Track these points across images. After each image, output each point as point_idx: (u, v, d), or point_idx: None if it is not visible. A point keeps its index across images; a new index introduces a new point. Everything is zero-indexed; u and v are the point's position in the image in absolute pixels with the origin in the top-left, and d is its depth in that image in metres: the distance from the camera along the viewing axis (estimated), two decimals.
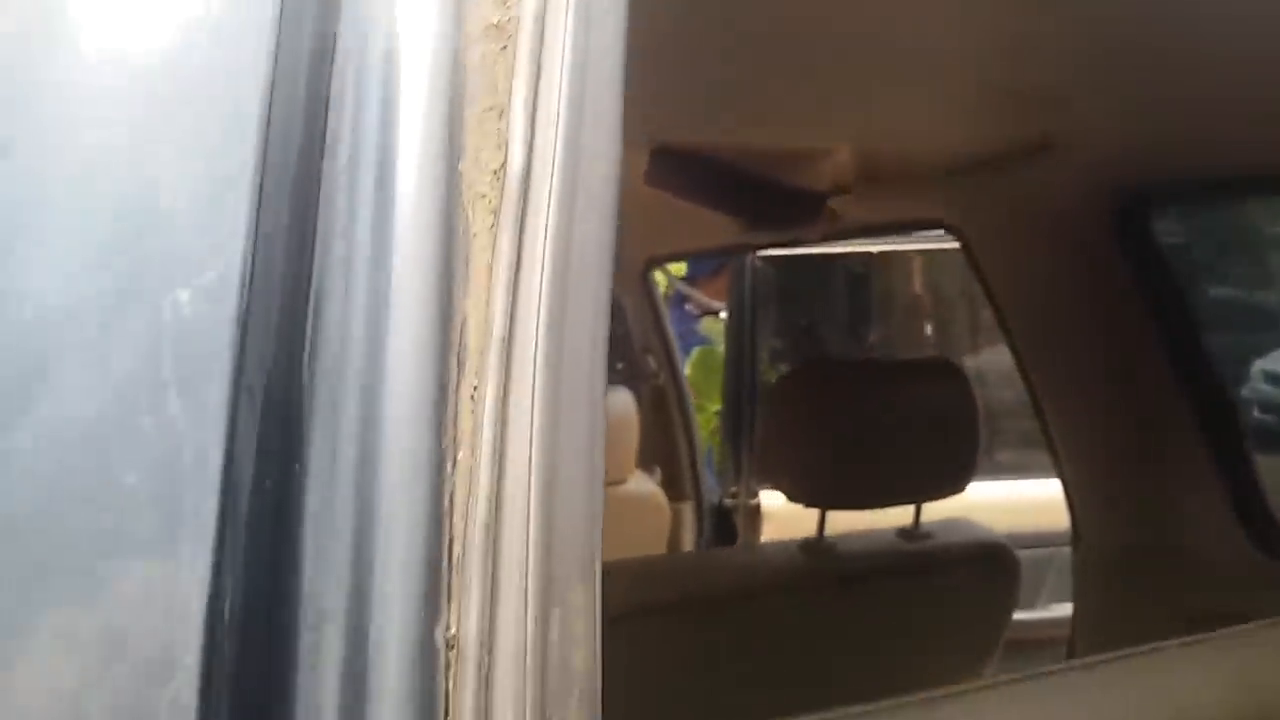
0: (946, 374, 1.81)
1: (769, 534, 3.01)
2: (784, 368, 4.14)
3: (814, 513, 1.71)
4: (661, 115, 1.59)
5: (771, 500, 3.06)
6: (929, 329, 4.10)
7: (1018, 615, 1.94)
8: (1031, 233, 1.94)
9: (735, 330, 3.35)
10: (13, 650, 0.37)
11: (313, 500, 0.38)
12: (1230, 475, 1.90)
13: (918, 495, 1.74)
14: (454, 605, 0.39)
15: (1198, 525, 1.93)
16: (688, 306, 4.12)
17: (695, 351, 3.88)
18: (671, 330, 3.29)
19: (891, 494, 1.71)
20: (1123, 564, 2.01)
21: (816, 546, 1.70)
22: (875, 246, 3.48)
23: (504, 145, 0.42)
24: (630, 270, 3.04)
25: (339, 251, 0.40)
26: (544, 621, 0.39)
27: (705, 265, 4.02)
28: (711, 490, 3.28)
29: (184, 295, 0.37)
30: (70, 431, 0.37)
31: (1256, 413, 8.78)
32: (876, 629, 1.68)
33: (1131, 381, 1.96)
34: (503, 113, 0.43)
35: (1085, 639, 2.05)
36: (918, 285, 3.95)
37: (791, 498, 1.70)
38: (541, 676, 0.39)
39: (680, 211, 2.06)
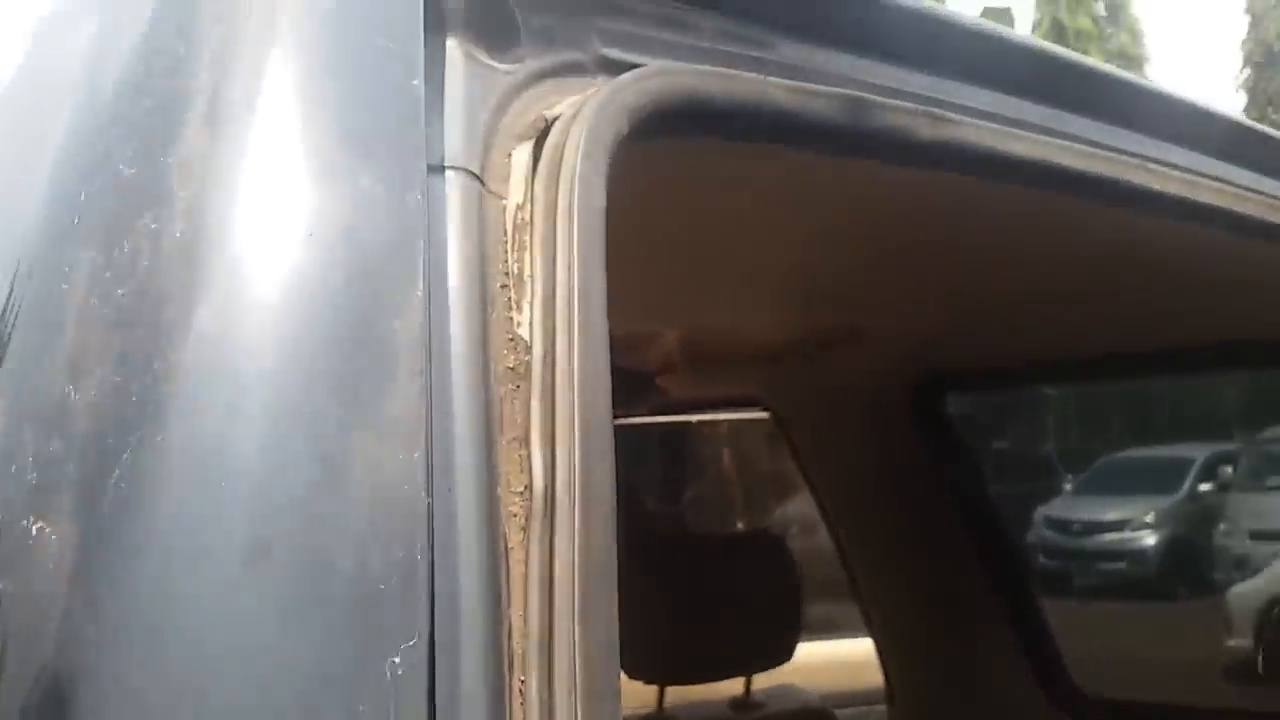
0: (771, 548, 1.93)
1: None
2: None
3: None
4: None
5: None
6: (739, 491, 4.27)
7: None
8: (839, 411, 2.10)
9: None
10: None
11: None
12: (1027, 636, 2.07)
13: (747, 667, 1.83)
14: None
15: (1001, 684, 2.08)
16: None
17: None
18: None
19: (724, 667, 1.79)
20: None
21: None
22: (693, 417, 3.64)
23: (526, 470, 0.51)
24: None
25: (439, 596, 0.48)
26: None
27: None
28: None
29: (396, 659, 0.46)
30: None
31: (1042, 558, 9.28)
32: None
33: (934, 547, 2.12)
34: (523, 442, 0.51)
35: None
36: (728, 453, 4.13)
37: (629, 674, 1.75)
38: None
39: None
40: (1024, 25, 23.94)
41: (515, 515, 0.50)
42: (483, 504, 0.49)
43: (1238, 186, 1.08)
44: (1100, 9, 24.42)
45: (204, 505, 0.45)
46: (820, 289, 1.68)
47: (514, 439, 0.51)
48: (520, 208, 0.53)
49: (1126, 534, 9.24)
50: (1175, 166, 0.99)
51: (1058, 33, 23.78)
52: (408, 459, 0.46)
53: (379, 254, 0.48)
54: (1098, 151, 0.88)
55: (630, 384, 2.16)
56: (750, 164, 0.98)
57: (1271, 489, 8.76)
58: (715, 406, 2.71)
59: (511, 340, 0.52)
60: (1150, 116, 1.01)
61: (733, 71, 0.65)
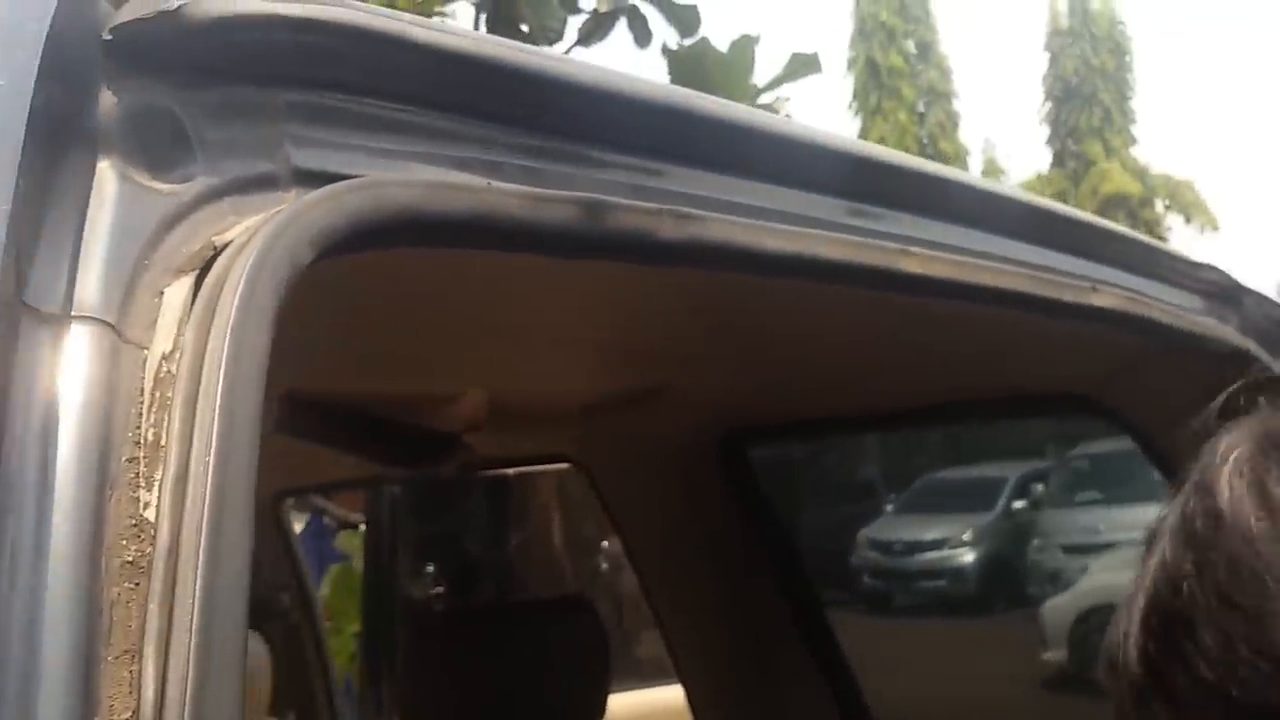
0: (580, 610, 1.89)
1: None
2: (428, 570, 4.09)
3: None
4: (293, 367, 1.59)
5: None
6: (562, 534, 4.24)
7: None
8: (645, 466, 2.09)
9: (374, 548, 3.30)
10: None
11: None
12: (835, 681, 2.09)
13: None
14: None
15: None
16: (325, 520, 4.00)
17: (332, 570, 3.75)
18: (305, 561, 3.17)
19: None
20: None
21: None
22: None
23: (135, 690, 0.42)
24: (259, 504, 2.93)
25: None
26: None
27: None
28: None
29: None
30: None
31: (867, 579, 9.52)
32: None
33: (742, 595, 2.13)
34: (135, 656, 0.43)
35: None
36: (550, 496, 4.10)
37: None
38: None
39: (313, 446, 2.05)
40: (839, 63, 24.89)
41: None
42: None
43: (1017, 264, 1.09)
44: (911, 47, 25.52)
45: None
46: (621, 349, 1.65)
47: (125, 652, 0.42)
48: (166, 358, 0.45)
49: (945, 552, 9.57)
50: (950, 248, 0.99)
51: (872, 70, 24.76)
52: None
53: None
54: (858, 240, 0.86)
55: (433, 444, 2.10)
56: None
57: (1080, 504, 9.22)
58: (524, 463, 2.66)
59: (135, 526, 0.43)
60: (924, 199, 1.01)
61: (451, 179, 0.60)
